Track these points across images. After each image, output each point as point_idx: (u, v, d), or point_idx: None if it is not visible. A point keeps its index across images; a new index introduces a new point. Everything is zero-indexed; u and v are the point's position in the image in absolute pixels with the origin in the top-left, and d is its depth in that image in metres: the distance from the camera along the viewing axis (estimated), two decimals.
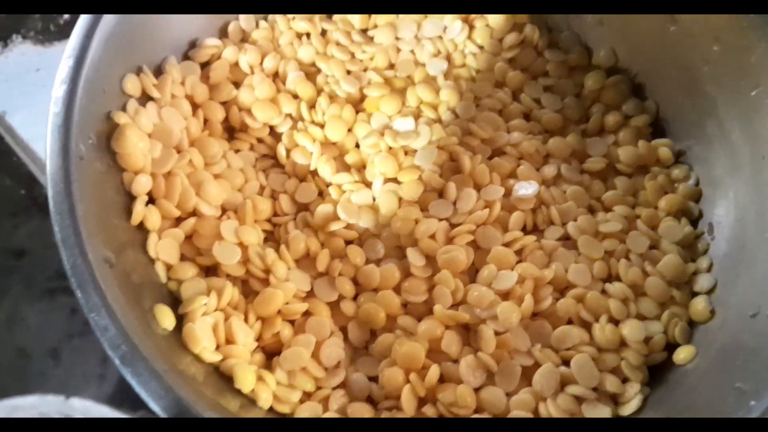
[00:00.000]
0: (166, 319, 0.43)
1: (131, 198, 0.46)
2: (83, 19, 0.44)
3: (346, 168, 0.56)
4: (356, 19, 0.61)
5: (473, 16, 0.61)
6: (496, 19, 0.61)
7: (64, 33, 0.67)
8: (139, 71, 0.49)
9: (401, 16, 0.61)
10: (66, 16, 0.68)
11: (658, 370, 0.48)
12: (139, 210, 0.46)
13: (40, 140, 0.57)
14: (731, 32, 0.51)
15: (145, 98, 0.50)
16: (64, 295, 0.59)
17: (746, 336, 0.44)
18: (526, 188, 0.53)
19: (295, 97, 0.57)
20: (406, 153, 0.56)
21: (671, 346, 0.49)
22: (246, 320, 0.46)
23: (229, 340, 0.45)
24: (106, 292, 0.38)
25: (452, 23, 0.60)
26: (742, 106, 0.51)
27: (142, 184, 0.46)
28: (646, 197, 0.55)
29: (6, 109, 0.62)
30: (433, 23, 0.61)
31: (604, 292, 0.50)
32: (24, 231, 0.62)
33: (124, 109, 0.47)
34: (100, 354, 0.57)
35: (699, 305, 0.49)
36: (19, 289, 0.59)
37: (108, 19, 0.45)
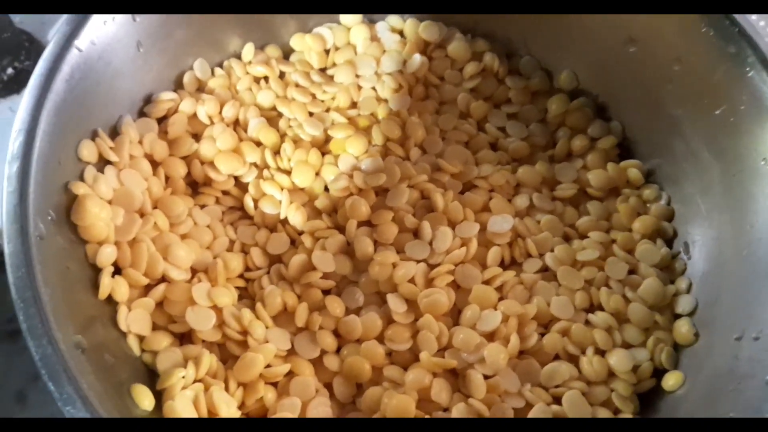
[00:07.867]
0: (144, 399, 0.41)
1: (97, 270, 0.44)
2: (31, 90, 0.42)
3: (317, 213, 0.55)
4: (314, 59, 0.59)
5: (431, 47, 0.61)
6: (454, 50, 0.60)
7: (8, 89, 0.64)
8: (94, 135, 0.47)
9: (359, 53, 0.60)
10: (9, 70, 0.65)
11: (649, 398, 0.48)
12: (106, 282, 0.44)
13: None
14: (691, 52, 0.50)
15: (103, 163, 0.47)
16: None
17: (734, 361, 0.44)
18: (501, 223, 0.53)
19: (259, 144, 0.56)
20: (377, 194, 0.55)
21: (659, 372, 0.49)
22: (227, 388, 0.45)
23: (212, 412, 0.43)
24: (80, 382, 0.36)
25: (411, 57, 0.60)
26: (708, 125, 0.51)
27: (106, 255, 0.44)
28: (619, 220, 0.55)
29: None
30: (392, 58, 0.60)
31: (587, 322, 0.50)
32: None
33: (81, 177, 0.45)
34: None
35: (682, 328, 0.49)
36: None
37: (58, 87, 0.43)
